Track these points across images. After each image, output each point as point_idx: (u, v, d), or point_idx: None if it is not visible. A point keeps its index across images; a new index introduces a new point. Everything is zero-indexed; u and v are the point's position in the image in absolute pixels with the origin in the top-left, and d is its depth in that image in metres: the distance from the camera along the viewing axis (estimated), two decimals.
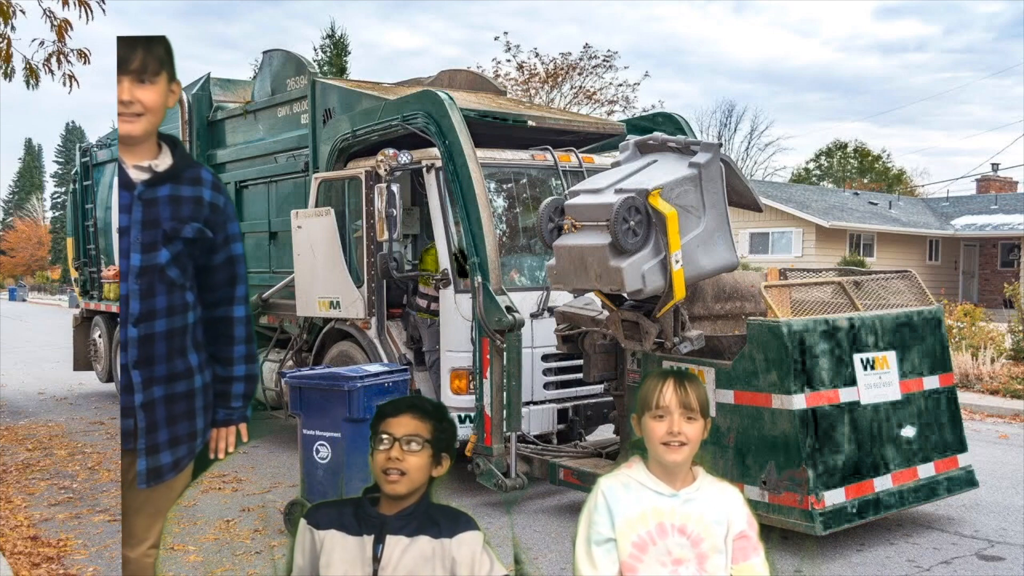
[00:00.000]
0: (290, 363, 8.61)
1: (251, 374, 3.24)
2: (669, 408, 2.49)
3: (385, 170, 6.86)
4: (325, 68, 29.35)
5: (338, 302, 7.58)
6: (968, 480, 6.35)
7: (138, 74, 2.82)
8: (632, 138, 6.33)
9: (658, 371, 2.68)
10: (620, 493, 2.52)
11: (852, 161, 56.64)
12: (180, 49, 3.00)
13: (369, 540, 2.49)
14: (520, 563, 2.75)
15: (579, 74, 26.49)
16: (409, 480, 2.50)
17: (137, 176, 2.88)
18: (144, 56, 2.82)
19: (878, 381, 5.91)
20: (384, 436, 2.52)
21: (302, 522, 2.60)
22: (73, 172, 13.53)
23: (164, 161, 2.93)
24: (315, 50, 31.18)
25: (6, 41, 8.28)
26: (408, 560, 2.47)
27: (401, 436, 2.51)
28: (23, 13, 8.17)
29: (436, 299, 7.09)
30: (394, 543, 2.48)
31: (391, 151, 6.90)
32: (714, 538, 2.49)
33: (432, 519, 2.52)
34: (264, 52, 9.63)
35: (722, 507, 2.53)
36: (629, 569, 2.47)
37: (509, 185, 7.85)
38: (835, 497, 5.50)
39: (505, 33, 39.37)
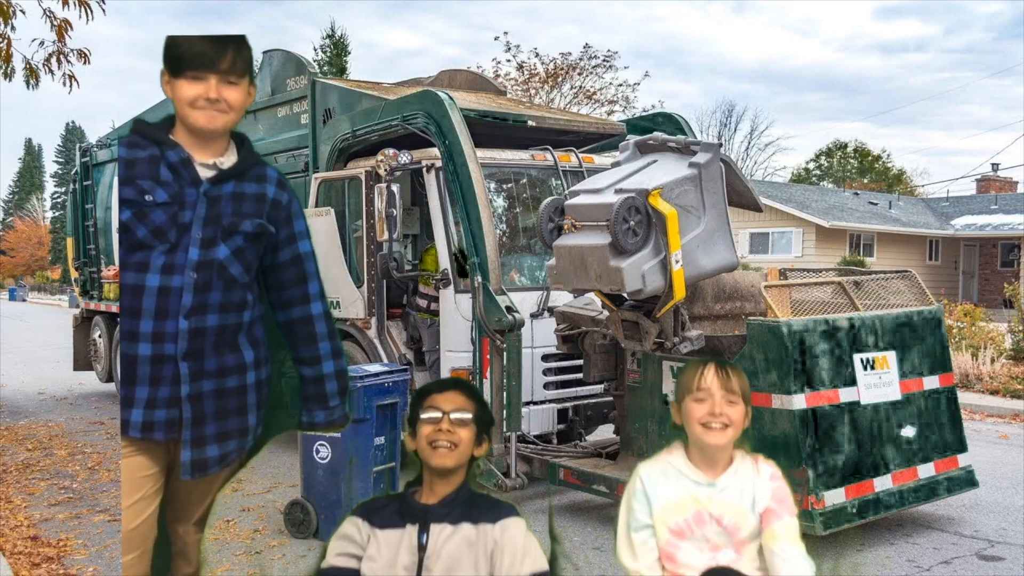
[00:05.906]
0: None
1: (340, 369, 3.19)
2: (711, 390, 2.50)
3: (385, 170, 6.86)
4: (325, 68, 29.33)
5: (338, 302, 7.58)
6: (968, 480, 6.35)
7: (226, 75, 2.81)
8: (632, 138, 6.32)
9: (698, 359, 2.70)
10: (658, 480, 2.56)
11: (852, 161, 56.64)
12: None
13: (414, 530, 2.52)
14: (557, 540, 2.74)
15: (579, 74, 26.52)
16: (459, 453, 2.53)
17: (204, 173, 2.87)
18: (235, 58, 2.83)
19: (878, 381, 5.90)
20: (432, 409, 2.55)
21: (351, 517, 2.61)
22: (73, 172, 13.53)
23: (230, 158, 2.94)
24: (315, 50, 31.19)
25: (6, 41, 8.29)
26: (452, 547, 2.49)
27: (450, 410, 2.55)
28: (23, 13, 8.19)
29: (436, 299, 7.09)
30: (438, 531, 2.51)
31: (391, 151, 6.90)
32: (750, 526, 2.52)
33: (474, 505, 2.55)
34: (264, 52, 9.62)
35: (751, 492, 2.55)
36: (667, 555, 2.50)
37: (509, 185, 7.86)
38: (835, 497, 5.50)
39: (505, 33, 39.53)
